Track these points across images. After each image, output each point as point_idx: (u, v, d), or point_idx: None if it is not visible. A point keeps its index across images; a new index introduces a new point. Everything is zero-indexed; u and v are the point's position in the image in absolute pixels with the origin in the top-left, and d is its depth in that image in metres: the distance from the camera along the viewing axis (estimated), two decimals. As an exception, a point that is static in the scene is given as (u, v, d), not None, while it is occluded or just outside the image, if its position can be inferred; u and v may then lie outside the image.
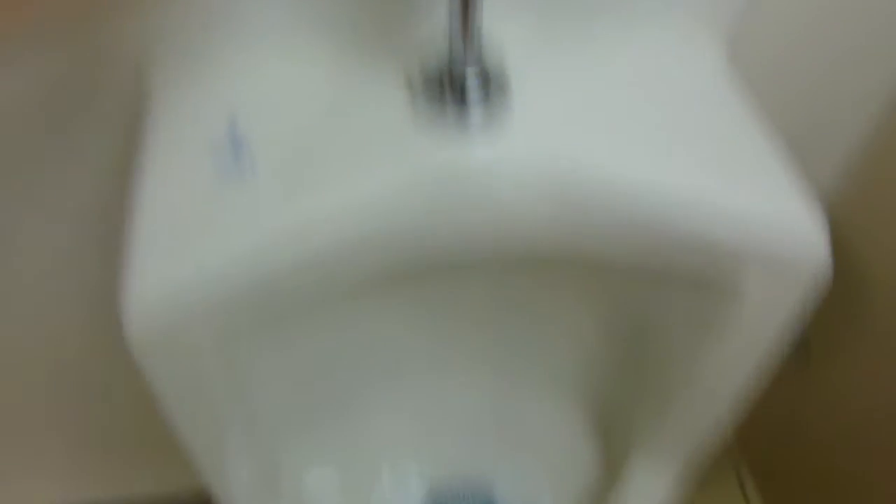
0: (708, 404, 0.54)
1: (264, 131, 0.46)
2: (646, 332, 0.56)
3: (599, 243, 0.45)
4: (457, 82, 0.45)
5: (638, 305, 0.55)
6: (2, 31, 0.46)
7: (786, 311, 0.45)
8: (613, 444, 0.66)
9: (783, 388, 0.72)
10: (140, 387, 0.43)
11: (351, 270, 0.44)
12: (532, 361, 0.65)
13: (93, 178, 0.56)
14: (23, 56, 0.47)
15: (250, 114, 0.47)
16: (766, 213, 0.43)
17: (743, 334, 0.47)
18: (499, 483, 0.68)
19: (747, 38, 0.56)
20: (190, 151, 0.45)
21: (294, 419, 0.61)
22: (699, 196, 0.43)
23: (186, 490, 0.93)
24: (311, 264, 0.42)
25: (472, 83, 0.45)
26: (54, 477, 0.87)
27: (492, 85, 0.46)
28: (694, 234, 0.43)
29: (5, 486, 0.87)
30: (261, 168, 0.44)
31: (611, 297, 0.56)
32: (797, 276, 0.43)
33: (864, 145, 0.68)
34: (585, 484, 0.67)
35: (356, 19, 0.49)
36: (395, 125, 0.46)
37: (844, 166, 0.70)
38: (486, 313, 0.61)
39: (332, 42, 0.49)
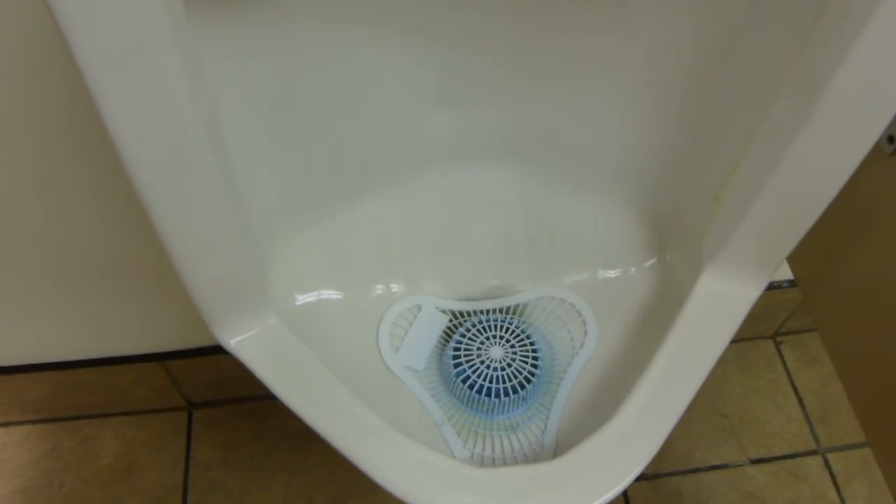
0: (805, 182, 0.41)
1: None
2: (731, 72, 0.44)
3: None
4: None
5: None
6: None
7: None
8: (677, 254, 0.56)
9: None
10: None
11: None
12: (568, 140, 0.52)
13: None
14: None
15: None
16: None
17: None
18: (531, 305, 0.57)
19: None
20: None
21: (283, 214, 0.50)
22: None
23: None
24: None
25: None
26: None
27: None
28: None
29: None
30: None
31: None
32: None
33: None
34: (641, 305, 0.56)
35: None
36: None
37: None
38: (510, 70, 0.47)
39: None
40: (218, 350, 0.86)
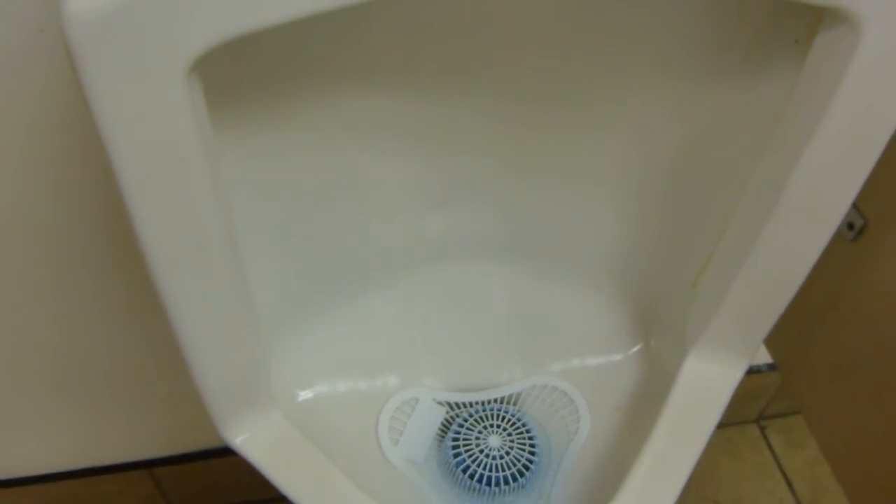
0: (775, 269, 0.44)
1: None
2: (708, 165, 0.48)
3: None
4: None
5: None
6: None
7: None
8: (661, 340, 0.58)
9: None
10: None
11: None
12: (557, 236, 0.55)
13: None
14: None
15: None
16: None
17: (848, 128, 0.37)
18: (524, 394, 0.59)
19: None
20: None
21: (284, 311, 0.52)
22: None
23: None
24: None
25: None
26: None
27: None
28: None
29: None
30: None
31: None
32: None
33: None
34: (630, 390, 0.58)
35: None
36: None
37: None
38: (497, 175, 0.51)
39: None
40: (206, 455, 0.85)
